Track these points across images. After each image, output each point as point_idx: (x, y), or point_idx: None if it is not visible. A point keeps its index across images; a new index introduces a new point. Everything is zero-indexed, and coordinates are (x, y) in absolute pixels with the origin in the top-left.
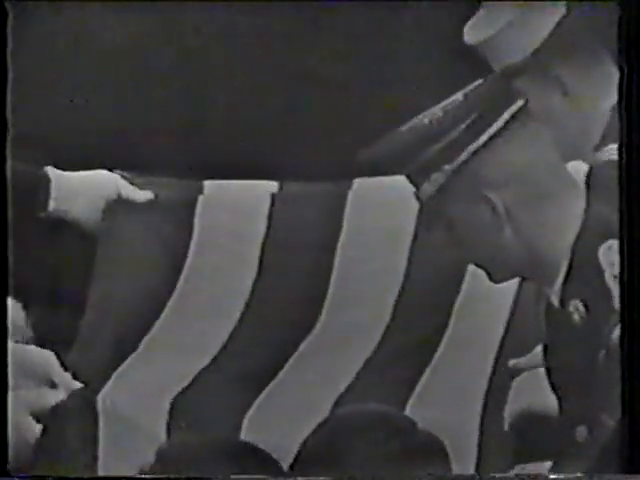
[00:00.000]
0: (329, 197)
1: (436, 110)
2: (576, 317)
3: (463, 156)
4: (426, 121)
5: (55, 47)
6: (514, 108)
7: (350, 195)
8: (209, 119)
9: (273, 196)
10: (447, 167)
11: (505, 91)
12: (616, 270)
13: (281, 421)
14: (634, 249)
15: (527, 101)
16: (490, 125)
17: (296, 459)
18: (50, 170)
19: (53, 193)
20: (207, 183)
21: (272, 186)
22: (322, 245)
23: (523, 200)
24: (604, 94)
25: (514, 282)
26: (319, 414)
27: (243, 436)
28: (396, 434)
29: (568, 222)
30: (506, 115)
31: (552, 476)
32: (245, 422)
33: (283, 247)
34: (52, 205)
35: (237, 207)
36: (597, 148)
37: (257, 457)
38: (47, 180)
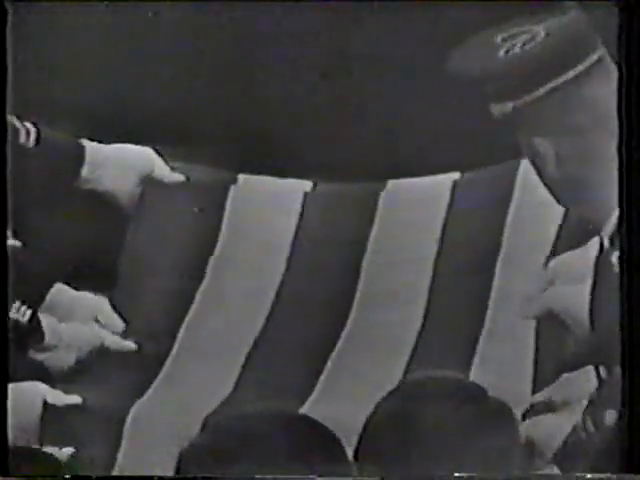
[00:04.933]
0: (362, 196)
1: (517, 43)
2: (616, 270)
3: (532, 95)
4: (501, 53)
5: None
6: (591, 59)
7: (383, 195)
8: (251, 114)
9: (306, 195)
10: (510, 104)
11: (586, 38)
12: None
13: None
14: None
15: (604, 55)
16: (565, 71)
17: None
18: (85, 142)
19: (87, 161)
20: (241, 176)
21: (306, 185)
22: (352, 244)
23: (578, 153)
24: None
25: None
26: (384, 387)
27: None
28: (466, 401)
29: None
30: (581, 67)
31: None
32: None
33: (313, 244)
34: (85, 173)
35: (268, 201)
36: None
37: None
38: (82, 150)
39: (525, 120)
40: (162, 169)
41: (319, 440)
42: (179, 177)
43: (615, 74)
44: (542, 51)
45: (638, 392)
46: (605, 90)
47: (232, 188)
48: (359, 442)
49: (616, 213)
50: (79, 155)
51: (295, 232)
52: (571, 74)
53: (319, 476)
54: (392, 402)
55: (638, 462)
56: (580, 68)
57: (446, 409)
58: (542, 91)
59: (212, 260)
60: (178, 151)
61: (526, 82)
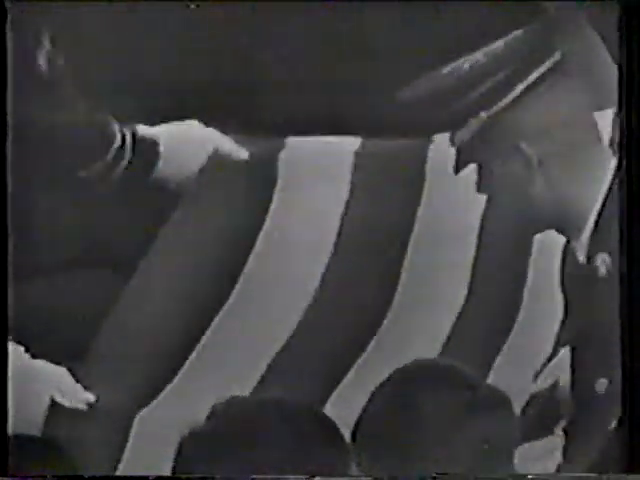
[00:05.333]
0: (410, 153)
1: (478, 56)
2: (602, 270)
3: (500, 104)
4: (467, 66)
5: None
6: (552, 61)
7: (431, 150)
8: (290, 75)
9: (356, 154)
10: (483, 114)
11: (544, 43)
12: None
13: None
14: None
15: (564, 55)
16: (527, 76)
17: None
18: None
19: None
20: (289, 140)
21: (355, 143)
22: (404, 201)
23: (555, 152)
24: None
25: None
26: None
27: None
28: (463, 388)
29: (598, 176)
30: (543, 68)
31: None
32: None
33: (364, 205)
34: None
35: (319, 165)
36: None
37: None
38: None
39: (487, 138)
40: (226, 144)
41: (321, 430)
42: (243, 152)
43: (576, 73)
44: (501, 64)
45: (638, 393)
46: (568, 90)
47: (282, 153)
48: (357, 426)
49: (592, 217)
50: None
51: (348, 197)
52: (522, 88)
53: (316, 473)
54: (389, 387)
55: (638, 462)
56: (535, 75)
57: (442, 395)
58: (501, 104)
59: (262, 234)
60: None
61: (483, 98)
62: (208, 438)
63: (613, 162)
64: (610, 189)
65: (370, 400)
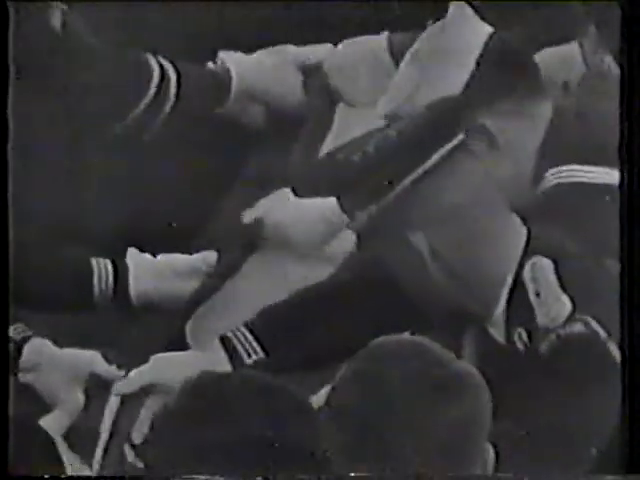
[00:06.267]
0: None
1: (369, 146)
2: (520, 345)
3: (396, 191)
4: (356, 157)
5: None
6: (454, 143)
7: None
8: None
9: None
10: (381, 202)
11: (444, 124)
12: (540, 286)
13: None
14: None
15: (467, 136)
16: (425, 160)
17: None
18: None
19: None
20: None
21: None
22: None
23: (455, 238)
24: (530, 137)
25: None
26: None
27: None
28: (432, 365)
29: (505, 258)
30: (443, 150)
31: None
32: None
33: None
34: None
35: None
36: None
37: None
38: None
39: (382, 226)
40: None
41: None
42: None
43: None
44: (395, 150)
45: (638, 392)
46: (474, 170)
47: None
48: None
49: (502, 303)
50: None
51: None
52: (420, 172)
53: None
54: (357, 364)
55: (638, 462)
56: (435, 159)
57: (412, 372)
58: (398, 190)
59: None
60: None
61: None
62: (179, 414)
63: (524, 231)
64: (523, 258)
65: (338, 377)
